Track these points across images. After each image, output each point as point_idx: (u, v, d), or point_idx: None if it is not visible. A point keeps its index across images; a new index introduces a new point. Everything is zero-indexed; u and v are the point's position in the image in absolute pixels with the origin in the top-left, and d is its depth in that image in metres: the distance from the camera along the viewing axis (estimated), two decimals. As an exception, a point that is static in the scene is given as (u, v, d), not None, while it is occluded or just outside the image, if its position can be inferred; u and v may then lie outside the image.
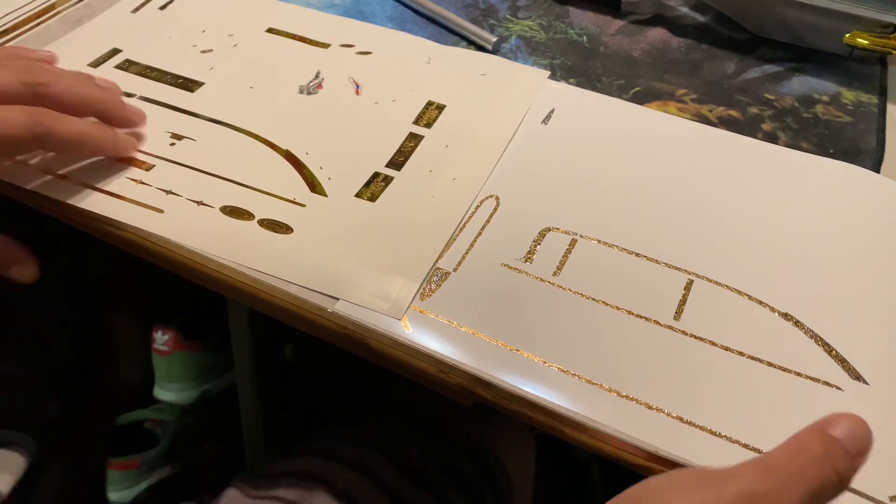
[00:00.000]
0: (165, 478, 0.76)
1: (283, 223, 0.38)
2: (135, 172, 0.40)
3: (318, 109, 0.45)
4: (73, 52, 0.48)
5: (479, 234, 0.38)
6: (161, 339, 0.72)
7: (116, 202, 0.39)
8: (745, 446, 0.29)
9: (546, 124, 0.44)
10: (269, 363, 0.61)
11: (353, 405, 0.55)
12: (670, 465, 0.29)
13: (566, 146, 0.43)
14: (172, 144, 0.42)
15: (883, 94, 0.48)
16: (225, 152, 0.42)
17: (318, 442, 0.50)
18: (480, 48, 0.50)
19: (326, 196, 0.39)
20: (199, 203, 0.39)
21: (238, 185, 0.40)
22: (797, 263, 0.36)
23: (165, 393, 0.74)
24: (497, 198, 0.39)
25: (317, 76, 0.47)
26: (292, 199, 0.39)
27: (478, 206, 0.39)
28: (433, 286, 0.35)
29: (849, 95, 0.48)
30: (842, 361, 0.32)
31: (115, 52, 0.49)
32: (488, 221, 0.38)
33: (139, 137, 0.42)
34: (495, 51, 0.50)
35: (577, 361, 0.32)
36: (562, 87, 0.47)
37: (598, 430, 0.30)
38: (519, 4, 0.55)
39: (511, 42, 0.51)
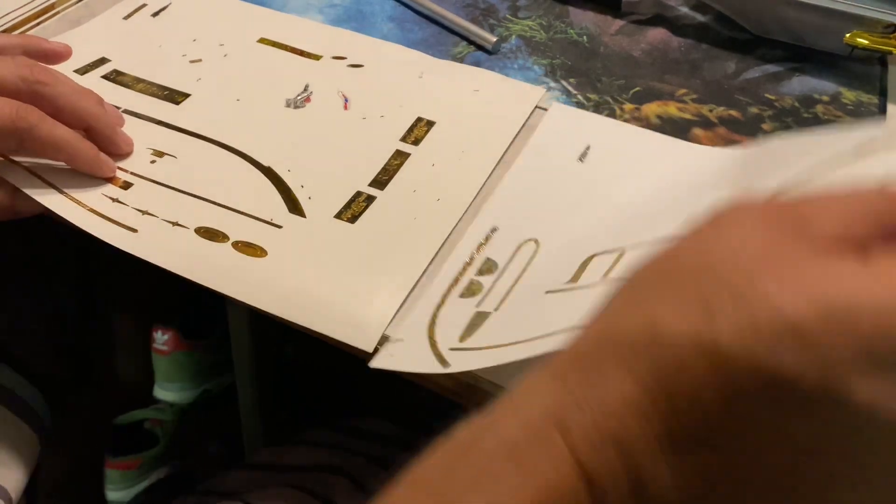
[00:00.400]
0: (165, 478, 0.75)
1: (258, 246, 0.37)
2: (111, 190, 0.40)
3: (303, 124, 0.44)
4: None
5: (520, 277, 0.35)
6: (161, 338, 0.72)
7: (91, 215, 0.39)
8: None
9: (583, 161, 0.42)
10: (269, 363, 0.61)
11: (357, 403, 0.55)
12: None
13: (604, 180, 0.40)
14: (153, 162, 0.42)
15: (883, 94, 0.48)
16: (205, 170, 0.41)
17: (326, 436, 0.51)
18: (480, 48, 0.50)
19: (305, 217, 0.39)
20: (175, 224, 0.39)
21: (215, 205, 0.39)
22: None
23: (165, 393, 0.73)
24: (536, 241, 0.37)
25: (305, 89, 0.46)
26: (269, 219, 0.39)
27: (516, 251, 0.37)
28: (472, 328, 0.33)
29: (849, 95, 0.48)
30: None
31: (104, 60, 0.48)
32: (528, 264, 0.36)
33: (121, 157, 0.42)
34: (495, 51, 0.50)
35: None
36: (595, 119, 0.45)
37: None
38: (519, 4, 0.55)
39: (511, 42, 0.51)
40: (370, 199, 0.40)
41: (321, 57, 0.48)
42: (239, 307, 0.54)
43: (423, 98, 0.45)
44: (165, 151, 0.42)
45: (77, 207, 0.39)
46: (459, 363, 0.32)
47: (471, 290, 0.35)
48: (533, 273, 0.36)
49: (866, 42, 0.47)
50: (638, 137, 0.44)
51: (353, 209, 0.39)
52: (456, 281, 0.36)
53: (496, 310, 0.34)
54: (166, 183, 0.41)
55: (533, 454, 0.18)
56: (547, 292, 0.34)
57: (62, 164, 0.40)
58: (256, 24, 0.51)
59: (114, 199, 0.39)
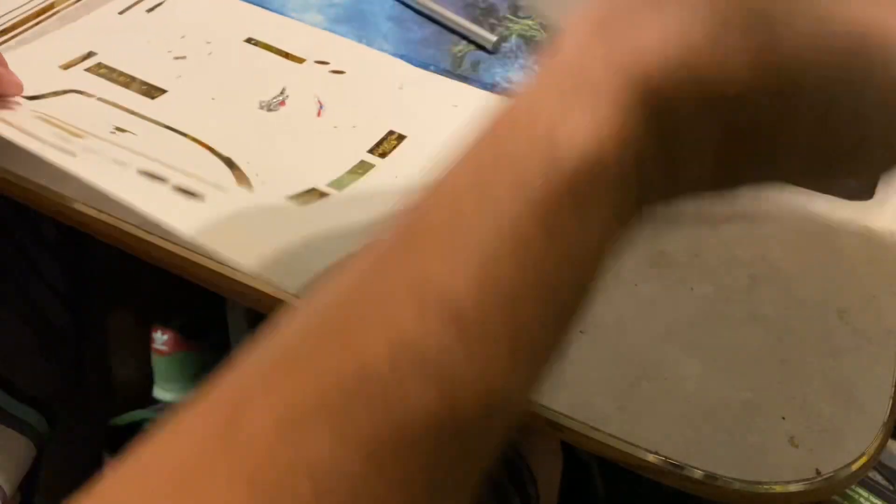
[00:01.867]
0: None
1: (196, 193, 0.38)
2: (62, 135, 0.40)
3: (273, 127, 0.44)
4: (49, 52, 0.48)
5: None
6: (160, 339, 0.72)
7: (32, 140, 0.39)
8: None
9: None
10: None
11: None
12: (670, 466, 0.29)
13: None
14: (112, 133, 0.42)
15: (884, 93, 0.48)
16: (162, 148, 0.41)
17: None
18: (480, 47, 0.50)
19: (252, 190, 0.39)
20: (118, 162, 0.39)
21: (162, 164, 0.40)
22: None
23: (165, 393, 0.73)
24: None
25: (282, 92, 0.46)
26: (214, 182, 0.39)
27: None
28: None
29: (850, 95, 0.47)
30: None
31: (91, 54, 0.48)
32: None
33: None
34: (495, 50, 0.50)
35: None
36: None
37: (597, 431, 0.30)
38: (519, 4, 0.55)
39: (511, 41, 0.51)
40: (324, 194, 0.39)
41: (304, 60, 0.48)
42: (238, 307, 0.54)
43: (399, 110, 0.45)
44: (128, 129, 0.42)
45: (21, 134, 0.39)
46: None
47: None
48: None
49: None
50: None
51: (306, 198, 0.39)
52: None
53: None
54: (120, 145, 0.41)
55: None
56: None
57: None
58: (247, 23, 0.51)
59: (61, 147, 0.40)
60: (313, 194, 0.39)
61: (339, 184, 0.40)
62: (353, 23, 0.52)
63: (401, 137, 0.43)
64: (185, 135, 0.43)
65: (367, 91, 0.47)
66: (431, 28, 0.52)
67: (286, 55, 0.49)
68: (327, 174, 0.41)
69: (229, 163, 0.41)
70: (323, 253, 0.36)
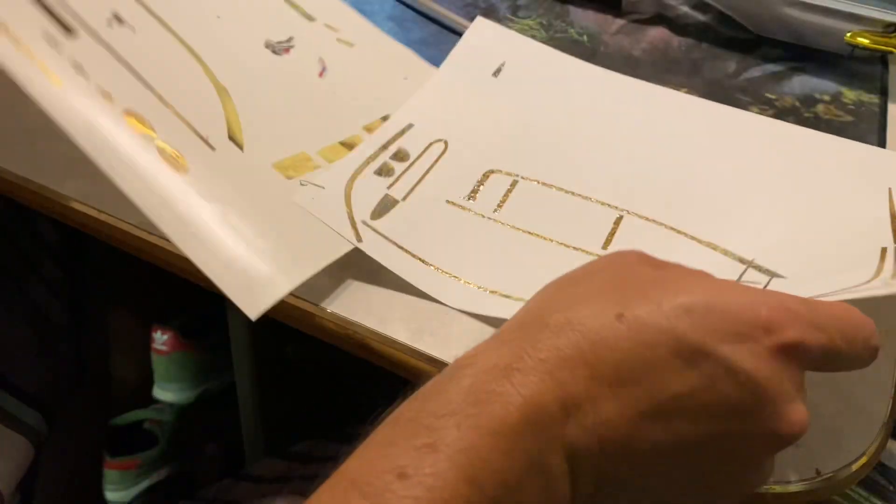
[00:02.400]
0: (164, 478, 0.75)
1: (182, 159, 0.34)
2: (53, 29, 0.35)
3: (275, 70, 0.42)
4: None
5: (427, 172, 0.39)
6: (160, 338, 0.72)
7: (18, 55, 0.33)
8: None
9: (497, 77, 0.46)
10: (269, 363, 0.60)
11: (358, 403, 0.55)
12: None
13: (513, 98, 0.45)
14: (109, 24, 0.37)
15: (884, 93, 0.48)
16: (158, 59, 0.38)
17: (335, 448, 0.50)
18: (480, 47, 0.50)
19: (242, 150, 0.36)
20: (104, 93, 0.34)
21: (154, 95, 0.36)
22: (720, 202, 0.39)
23: (164, 393, 0.73)
24: (445, 142, 0.41)
25: (289, 40, 0.44)
26: (205, 136, 0.36)
27: (426, 148, 0.41)
28: (381, 210, 0.37)
29: (850, 95, 0.48)
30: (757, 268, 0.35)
31: None
32: (436, 162, 0.40)
33: None
34: (495, 50, 0.50)
35: (512, 286, 0.34)
36: (514, 37, 0.49)
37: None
38: (519, 4, 0.55)
39: (511, 41, 0.51)
40: (316, 166, 0.38)
41: (315, 20, 0.47)
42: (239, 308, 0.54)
43: (400, 99, 0.44)
44: (126, 20, 0.38)
45: (8, 42, 0.34)
46: (372, 247, 0.35)
47: (384, 170, 0.39)
48: (438, 174, 0.40)
49: (867, 42, 0.47)
50: (551, 58, 0.48)
51: (296, 165, 0.37)
52: (373, 157, 0.40)
53: (403, 199, 0.38)
54: (114, 49, 0.37)
55: (487, 392, 0.22)
56: (447, 201, 0.38)
57: None
58: None
59: (51, 42, 0.35)
60: (303, 161, 0.38)
61: (328, 154, 0.40)
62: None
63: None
64: (184, 43, 0.40)
65: (371, 72, 0.46)
66: (431, 28, 0.52)
67: (297, 7, 0.47)
68: (319, 139, 0.40)
69: (225, 100, 0.38)
70: (324, 251, 0.36)
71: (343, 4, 0.50)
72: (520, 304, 0.30)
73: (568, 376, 0.23)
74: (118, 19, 0.38)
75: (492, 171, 0.40)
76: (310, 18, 0.47)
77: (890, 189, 0.39)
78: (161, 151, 0.34)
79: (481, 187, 0.39)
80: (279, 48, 0.43)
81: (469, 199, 0.39)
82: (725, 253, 0.36)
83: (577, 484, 0.23)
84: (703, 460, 0.24)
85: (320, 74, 0.44)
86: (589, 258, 0.36)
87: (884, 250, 0.34)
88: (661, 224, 0.38)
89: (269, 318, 0.37)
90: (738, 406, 0.23)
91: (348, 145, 0.40)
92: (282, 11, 0.46)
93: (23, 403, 0.49)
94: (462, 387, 0.23)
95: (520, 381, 0.22)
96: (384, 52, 0.48)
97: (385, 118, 0.43)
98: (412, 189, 0.38)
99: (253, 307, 0.31)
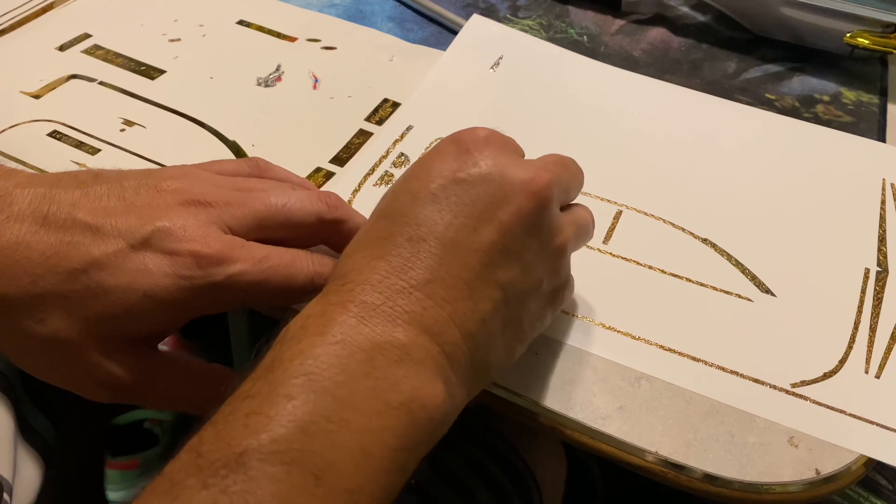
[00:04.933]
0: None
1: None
2: (80, 156, 0.41)
3: (273, 102, 0.45)
4: (44, 34, 0.49)
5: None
6: (160, 338, 0.72)
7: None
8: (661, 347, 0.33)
9: (494, 70, 0.47)
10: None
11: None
12: (670, 466, 0.29)
13: (513, 93, 0.45)
14: (122, 130, 0.42)
15: (883, 93, 0.48)
16: (172, 141, 0.42)
17: None
18: (480, 48, 0.50)
19: None
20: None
21: None
22: (715, 196, 0.40)
23: (165, 393, 0.73)
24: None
25: (277, 69, 0.47)
26: None
27: (427, 148, 0.41)
28: None
29: (849, 95, 0.48)
30: (753, 278, 0.36)
31: (86, 36, 0.49)
32: None
33: None
34: (495, 50, 0.50)
35: None
36: (511, 32, 0.50)
37: (597, 432, 0.30)
38: (519, 4, 0.55)
39: (511, 41, 0.51)
40: (329, 174, 0.40)
41: (297, 39, 0.50)
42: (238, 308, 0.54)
43: (392, 80, 0.47)
44: (135, 121, 0.43)
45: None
46: None
47: (384, 180, 0.40)
48: None
49: (866, 42, 0.47)
50: (549, 52, 0.49)
51: (313, 180, 0.40)
52: (372, 170, 0.40)
53: None
54: (134, 151, 0.41)
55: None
56: None
57: None
58: (237, 6, 0.53)
59: (82, 165, 0.40)
60: (319, 174, 0.40)
61: (339, 159, 0.41)
62: (354, 23, 0.52)
63: (395, 105, 0.45)
64: (190, 118, 0.43)
65: (359, 64, 0.48)
66: (431, 28, 0.52)
67: (278, 35, 0.50)
68: (327, 149, 0.42)
69: (235, 148, 0.41)
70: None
71: (318, 14, 0.52)
72: None
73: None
74: (128, 123, 0.43)
75: None
76: (292, 39, 0.50)
77: (884, 179, 0.41)
78: None
79: None
80: (271, 80, 0.46)
81: None
82: (722, 254, 0.37)
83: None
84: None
85: (314, 87, 0.46)
86: (589, 254, 0.37)
87: (867, 271, 0.36)
88: (660, 219, 0.39)
89: (268, 317, 0.37)
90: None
91: (355, 143, 0.42)
92: (266, 43, 0.50)
93: (35, 409, 0.49)
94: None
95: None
96: (365, 43, 0.50)
97: (384, 101, 0.45)
98: None
99: None
